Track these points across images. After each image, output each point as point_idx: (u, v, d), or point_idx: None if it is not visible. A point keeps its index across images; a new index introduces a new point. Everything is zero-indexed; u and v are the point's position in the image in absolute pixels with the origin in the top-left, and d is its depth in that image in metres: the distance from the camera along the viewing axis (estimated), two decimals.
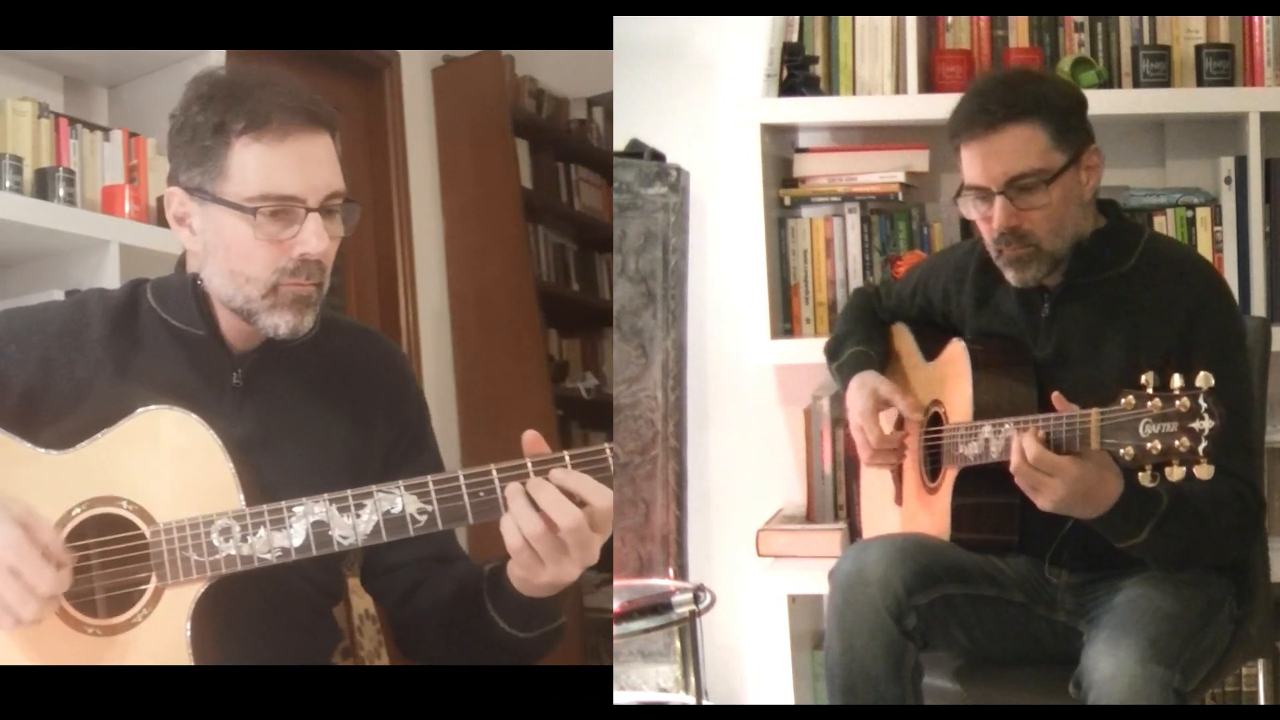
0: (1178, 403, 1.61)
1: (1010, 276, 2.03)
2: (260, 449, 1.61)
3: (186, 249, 1.67)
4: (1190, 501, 1.84)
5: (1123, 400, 1.66)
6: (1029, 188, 1.95)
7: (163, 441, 1.55)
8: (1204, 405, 1.60)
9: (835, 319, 2.60)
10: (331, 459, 1.67)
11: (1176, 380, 1.63)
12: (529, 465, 1.49)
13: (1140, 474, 1.66)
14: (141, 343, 1.65)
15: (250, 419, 1.64)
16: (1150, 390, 1.64)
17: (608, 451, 1.50)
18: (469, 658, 1.72)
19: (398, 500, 1.51)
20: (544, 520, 1.47)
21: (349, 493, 1.51)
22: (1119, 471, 1.77)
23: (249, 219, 1.57)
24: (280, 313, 1.60)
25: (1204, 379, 1.61)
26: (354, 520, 1.50)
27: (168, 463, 1.54)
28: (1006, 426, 1.90)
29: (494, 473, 1.49)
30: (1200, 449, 1.60)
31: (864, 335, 2.32)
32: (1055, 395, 1.79)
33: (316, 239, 1.58)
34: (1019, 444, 1.79)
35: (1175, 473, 1.62)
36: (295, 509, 1.51)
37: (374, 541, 1.51)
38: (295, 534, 1.51)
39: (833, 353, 2.35)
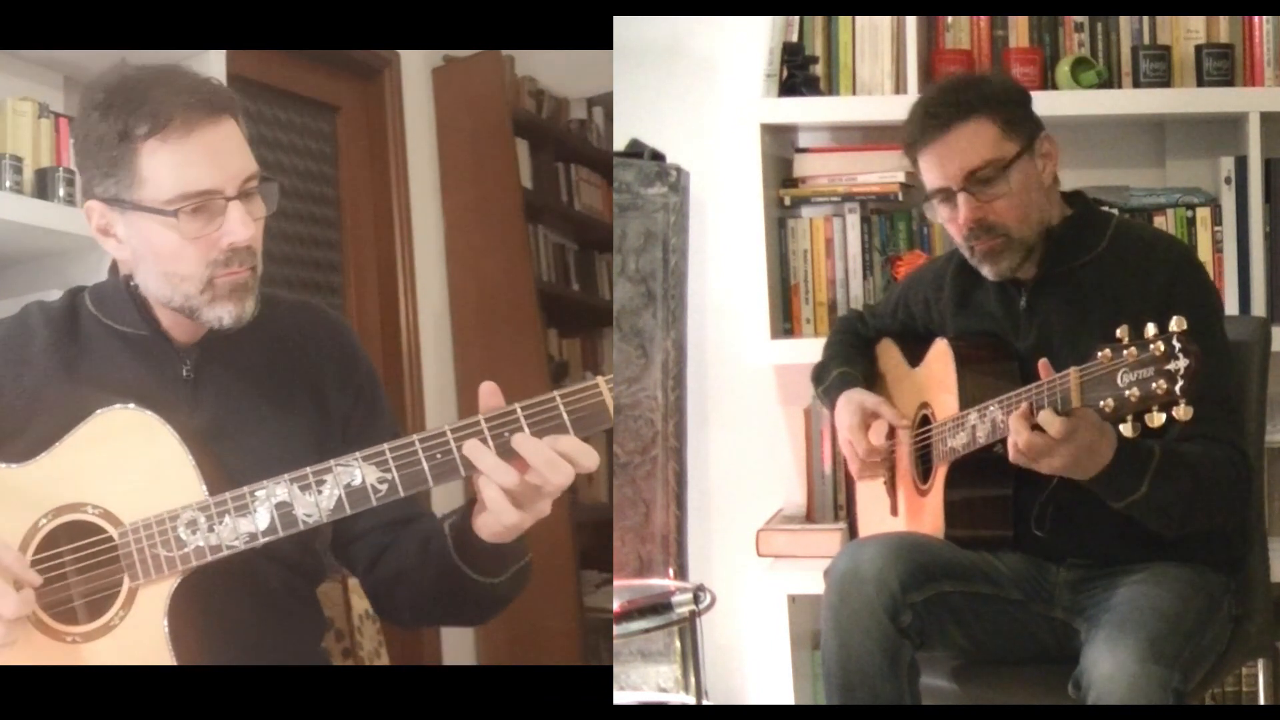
0: (1152, 347, 1.62)
1: (986, 271, 2.07)
2: (219, 437, 1.61)
3: (115, 258, 1.67)
4: (1182, 455, 1.87)
5: (1099, 355, 1.68)
6: (988, 179, 1.99)
7: (121, 441, 1.55)
8: (1178, 346, 1.61)
9: (835, 319, 2.61)
10: (292, 437, 1.67)
11: (1150, 329, 1.64)
12: (482, 423, 1.50)
13: (1122, 426, 1.66)
14: (88, 348, 1.65)
15: (205, 409, 1.64)
16: (1126, 341, 1.66)
17: (558, 400, 1.51)
18: (442, 611, 1.74)
19: (356, 472, 1.51)
20: (519, 469, 1.48)
21: (308, 470, 1.51)
22: (1111, 428, 1.78)
23: (171, 221, 1.56)
24: (221, 304, 1.60)
25: (1177, 323, 1.62)
26: (316, 497, 1.51)
27: (128, 462, 1.54)
28: (991, 408, 1.92)
29: (449, 433, 1.50)
30: (1177, 389, 1.60)
31: (847, 357, 2.36)
32: (1042, 362, 1.80)
33: (242, 226, 1.58)
34: (1024, 418, 1.79)
35: (1156, 419, 1.63)
36: (257, 493, 1.51)
37: (339, 516, 1.52)
38: (260, 518, 1.51)
39: (818, 378, 2.39)
